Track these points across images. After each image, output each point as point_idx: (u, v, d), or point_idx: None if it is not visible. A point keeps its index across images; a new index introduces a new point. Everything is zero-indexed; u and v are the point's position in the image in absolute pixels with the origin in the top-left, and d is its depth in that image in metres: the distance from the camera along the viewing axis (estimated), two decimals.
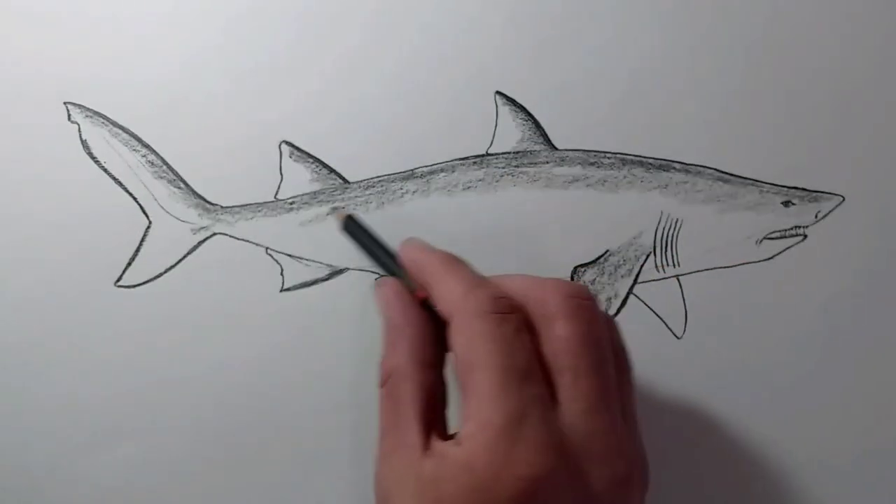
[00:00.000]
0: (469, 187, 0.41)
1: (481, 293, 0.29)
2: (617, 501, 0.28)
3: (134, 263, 0.40)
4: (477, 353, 0.28)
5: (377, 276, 0.41)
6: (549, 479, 0.26)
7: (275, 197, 0.41)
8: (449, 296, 0.30)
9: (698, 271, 0.42)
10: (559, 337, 0.29)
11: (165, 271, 0.40)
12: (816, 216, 0.42)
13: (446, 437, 0.30)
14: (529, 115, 0.41)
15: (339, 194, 0.41)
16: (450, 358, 0.32)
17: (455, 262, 0.32)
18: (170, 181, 0.40)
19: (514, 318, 0.29)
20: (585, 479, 0.27)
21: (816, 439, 0.42)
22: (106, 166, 0.40)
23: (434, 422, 0.30)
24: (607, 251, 0.41)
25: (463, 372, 0.28)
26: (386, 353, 0.32)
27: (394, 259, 0.35)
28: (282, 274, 0.41)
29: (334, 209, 0.40)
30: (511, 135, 0.41)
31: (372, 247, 0.37)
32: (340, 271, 0.41)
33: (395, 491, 0.28)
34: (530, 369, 0.28)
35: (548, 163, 0.41)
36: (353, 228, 0.38)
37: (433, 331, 0.32)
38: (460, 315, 0.29)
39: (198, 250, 0.41)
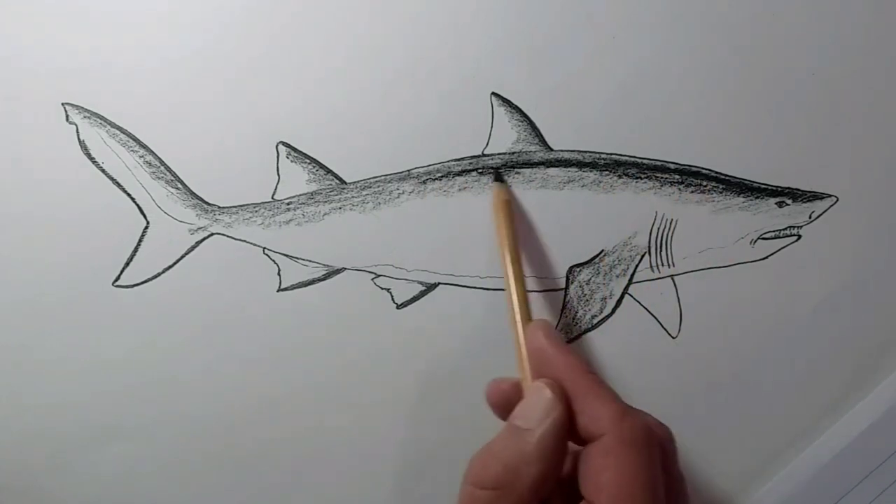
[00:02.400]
0: (465, 188, 0.41)
1: (638, 421, 0.28)
2: None
3: (132, 263, 0.40)
4: (629, 483, 0.27)
5: (373, 276, 0.41)
6: None
7: (272, 197, 0.41)
8: (601, 415, 0.29)
9: (693, 271, 0.42)
10: (675, 476, 0.30)
11: (163, 271, 0.41)
12: (810, 216, 0.42)
13: None
14: (525, 116, 0.41)
15: (336, 195, 0.41)
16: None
17: (596, 374, 0.31)
18: (167, 181, 0.41)
19: (659, 451, 0.29)
20: None
21: (810, 437, 0.42)
22: (104, 167, 0.40)
23: None
24: (602, 251, 0.42)
25: (606, 499, 0.27)
26: (506, 458, 0.29)
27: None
28: (279, 274, 0.41)
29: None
30: (506, 136, 0.41)
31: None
32: (337, 271, 0.41)
33: None
34: None
35: (543, 164, 0.41)
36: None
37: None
38: (615, 439, 0.28)
39: (195, 250, 0.41)
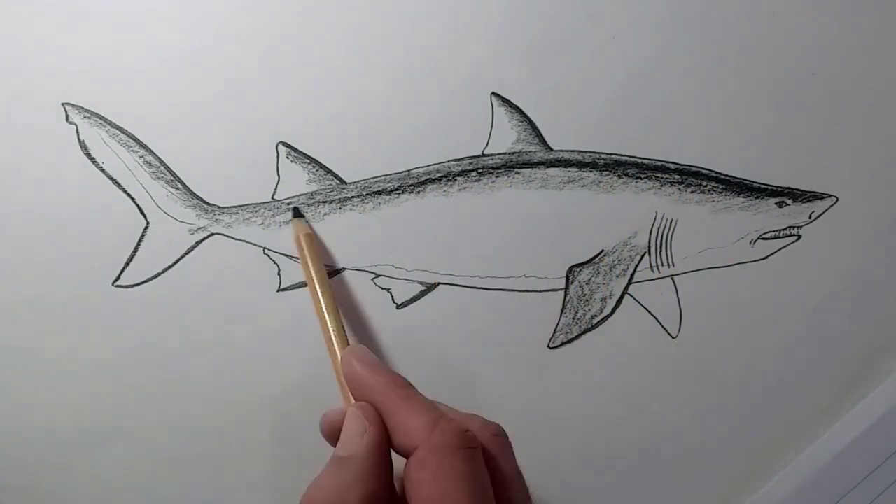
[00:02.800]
0: (465, 188, 0.41)
1: (449, 427, 0.28)
2: None
3: (132, 263, 0.40)
4: (448, 491, 0.26)
5: (373, 276, 0.41)
6: None
7: (272, 197, 0.41)
8: (413, 427, 0.28)
9: (693, 271, 0.42)
10: (508, 474, 0.29)
11: (163, 271, 0.41)
12: (810, 216, 0.42)
13: None
14: (525, 116, 0.41)
15: (336, 195, 0.41)
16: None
17: (409, 388, 0.30)
18: (167, 181, 0.41)
19: (479, 453, 0.28)
20: None
21: (810, 438, 0.42)
22: (104, 167, 0.40)
23: None
24: (602, 251, 0.42)
25: None
26: (327, 488, 0.28)
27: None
28: (279, 274, 0.41)
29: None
30: (507, 136, 0.41)
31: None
32: (337, 271, 0.41)
33: None
34: None
35: (543, 164, 0.41)
36: None
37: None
38: (427, 449, 0.27)
39: (195, 250, 0.41)
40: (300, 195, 0.41)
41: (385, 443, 0.29)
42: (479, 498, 0.27)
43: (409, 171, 0.41)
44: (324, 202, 0.41)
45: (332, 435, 0.32)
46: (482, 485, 0.27)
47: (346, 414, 0.31)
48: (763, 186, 0.42)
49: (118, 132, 0.40)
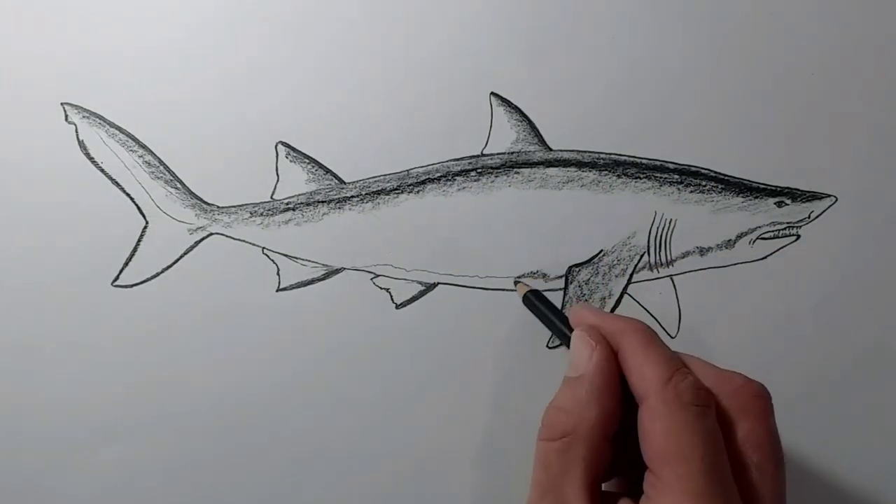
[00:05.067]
0: (464, 188, 0.41)
1: (684, 382, 0.29)
2: None
3: (131, 263, 0.40)
4: (679, 445, 0.27)
5: (372, 276, 0.41)
6: None
7: (271, 197, 0.41)
8: (647, 376, 0.29)
9: (692, 271, 0.42)
10: (755, 434, 0.29)
11: (162, 271, 0.41)
12: (809, 216, 0.42)
13: None
14: (524, 116, 0.41)
15: (335, 194, 0.41)
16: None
17: (654, 339, 0.31)
18: (166, 181, 0.41)
19: (713, 412, 0.28)
20: None
21: (809, 438, 0.42)
22: (103, 166, 0.40)
23: (597, 501, 0.29)
24: (601, 251, 0.42)
25: (658, 461, 0.27)
26: (567, 407, 0.30)
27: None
28: (278, 274, 0.41)
29: (517, 282, 0.41)
30: (506, 136, 0.41)
31: (553, 318, 0.37)
32: (336, 271, 0.41)
33: None
34: (727, 466, 0.28)
35: (542, 163, 0.41)
36: (533, 301, 0.38)
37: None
38: (660, 401, 0.28)
39: (194, 250, 0.41)
40: (299, 195, 0.41)
41: (613, 363, 0.31)
42: (711, 457, 0.27)
43: (408, 170, 0.41)
44: (323, 202, 0.41)
45: None
46: (714, 444, 0.28)
47: (573, 341, 0.32)
48: (762, 186, 0.42)
49: (117, 132, 0.40)
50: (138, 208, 0.41)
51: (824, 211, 0.42)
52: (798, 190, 0.42)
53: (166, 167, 0.41)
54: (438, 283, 0.41)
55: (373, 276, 0.41)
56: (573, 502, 0.28)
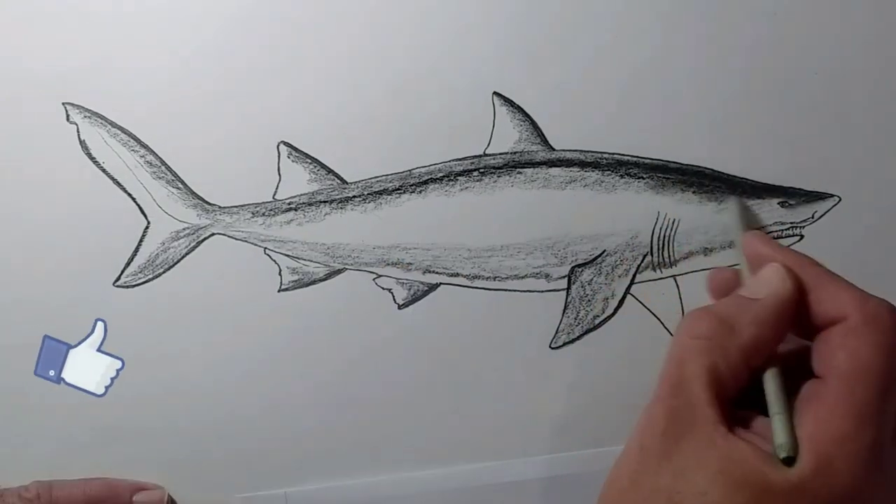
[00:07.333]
0: (466, 188, 0.41)
1: (883, 303, 0.28)
2: None
3: (132, 263, 0.40)
4: (866, 365, 0.27)
5: (375, 276, 0.41)
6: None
7: (273, 197, 0.41)
8: (844, 297, 0.29)
9: (695, 271, 0.42)
10: None
11: (164, 271, 0.41)
12: (813, 216, 0.42)
13: None
14: (527, 115, 0.41)
15: (337, 194, 0.41)
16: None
17: (825, 267, 0.31)
18: (168, 181, 0.41)
19: None
20: None
21: None
22: (104, 166, 0.40)
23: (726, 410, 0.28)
24: (604, 251, 0.42)
25: (845, 379, 0.27)
26: (731, 319, 0.29)
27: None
28: (280, 274, 0.41)
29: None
30: (508, 135, 0.41)
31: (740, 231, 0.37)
32: (338, 271, 0.41)
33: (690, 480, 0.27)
34: None
35: (545, 163, 0.41)
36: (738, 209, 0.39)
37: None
38: (862, 320, 0.28)
39: (196, 250, 0.41)
40: (301, 195, 0.41)
41: (795, 304, 0.30)
42: (887, 380, 0.27)
43: (410, 170, 0.41)
44: (325, 202, 0.41)
45: (721, 290, 0.35)
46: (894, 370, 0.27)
47: (764, 267, 0.31)
48: (766, 186, 0.42)
49: (119, 132, 0.40)
50: (140, 208, 0.41)
51: (828, 211, 0.42)
52: (801, 190, 0.42)
53: (168, 167, 0.40)
54: (440, 284, 0.41)
55: (375, 276, 0.41)
56: (702, 407, 0.28)
